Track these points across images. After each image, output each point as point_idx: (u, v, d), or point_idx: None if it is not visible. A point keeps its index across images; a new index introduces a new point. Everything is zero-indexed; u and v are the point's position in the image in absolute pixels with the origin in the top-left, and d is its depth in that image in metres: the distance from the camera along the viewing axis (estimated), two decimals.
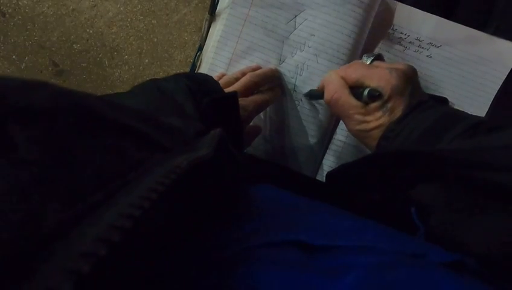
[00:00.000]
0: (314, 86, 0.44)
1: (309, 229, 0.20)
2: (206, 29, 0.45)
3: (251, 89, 0.41)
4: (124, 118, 0.16)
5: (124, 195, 0.12)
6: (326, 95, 0.37)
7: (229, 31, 0.43)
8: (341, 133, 0.45)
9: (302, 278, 0.16)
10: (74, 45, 1.13)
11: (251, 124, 0.45)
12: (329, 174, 0.36)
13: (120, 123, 0.15)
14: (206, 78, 0.38)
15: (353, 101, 0.35)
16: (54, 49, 1.13)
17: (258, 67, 0.44)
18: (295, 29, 0.43)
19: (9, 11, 1.11)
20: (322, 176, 0.45)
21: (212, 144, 0.19)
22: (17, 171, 0.10)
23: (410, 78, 0.35)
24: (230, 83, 0.40)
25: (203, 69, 0.45)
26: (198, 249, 0.18)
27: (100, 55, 1.13)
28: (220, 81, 0.40)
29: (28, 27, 1.12)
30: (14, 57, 1.13)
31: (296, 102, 0.44)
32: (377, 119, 0.34)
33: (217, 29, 0.44)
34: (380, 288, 0.15)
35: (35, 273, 0.09)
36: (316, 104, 0.44)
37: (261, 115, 0.45)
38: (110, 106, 0.16)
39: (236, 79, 0.41)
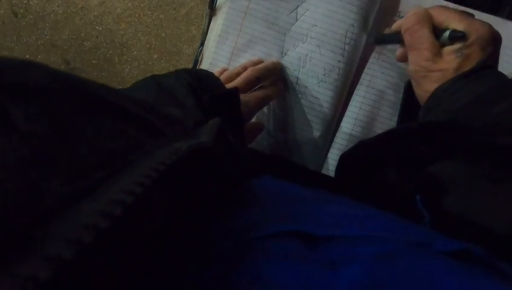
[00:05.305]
0: (317, 78, 0.43)
1: (310, 219, 0.20)
2: (206, 23, 0.45)
3: (253, 84, 0.40)
4: (125, 103, 0.16)
5: (126, 174, 0.12)
6: (407, 23, 0.35)
7: (229, 24, 0.43)
8: (346, 127, 0.44)
9: (303, 270, 0.16)
10: (84, 43, 1.15)
11: (254, 119, 0.44)
12: (344, 156, 0.35)
13: (120, 106, 0.16)
14: (207, 74, 0.37)
15: (431, 37, 0.34)
16: (65, 47, 1.15)
17: (260, 61, 0.43)
18: (297, 20, 0.42)
19: (21, 11, 1.13)
20: (327, 170, 0.45)
21: (212, 133, 0.19)
22: (16, 145, 0.10)
23: (496, 39, 0.33)
24: (231, 78, 0.40)
25: (205, 64, 0.45)
26: (200, 241, 0.18)
27: (110, 52, 1.15)
28: (221, 77, 0.39)
29: (39, 26, 1.13)
30: (27, 56, 1.15)
31: (300, 95, 0.43)
32: (446, 62, 0.33)
33: (217, 24, 0.44)
34: (382, 279, 0.15)
35: (36, 243, 0.09)
36: (320, 97, 0.43)
37: (265, 109, 0.45)
38: (112, 91, 0.16)
39: (238, 74, 0.40)
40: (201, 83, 0.33)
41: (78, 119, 0.13)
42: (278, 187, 0.26)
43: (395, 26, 0.39)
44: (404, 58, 0.38)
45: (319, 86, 0.43)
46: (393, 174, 0.30)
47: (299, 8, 0.42)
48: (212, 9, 0.44)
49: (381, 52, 0.43)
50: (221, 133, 0.21)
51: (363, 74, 0.43)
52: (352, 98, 0.44)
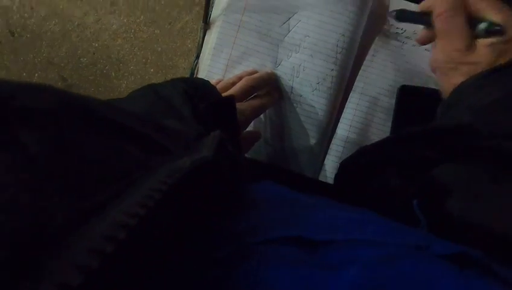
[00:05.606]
0: (311, 87, 0.43)
1: (309, 224, 0.20)
2: (201, 37, 0.46)
3: (248, 92, 0.41)
4: (126, 120, 0.16)
5: (129, 194, 0.12)
6: (440, 7, 0.32)
7: (223, 38, 0.44)
8: (342, 133, 0.45)
9: (303, 274, 0.16)
10: (81, 59, 1.16)
11: (252, 128, 0.45)
12: (344, 163, 0.35)
13: (123, 125, 0.16)
14: (204, 83, 0.38)
15: (466, 27, 0.31)
16: (62, 64, 1.16)
17: (255, 72, 0.44)
18: (289, 31, 0.43)
19: (18, 30, 1.15)
20: (324, 177, 0.45)
21: (212, 146, 0.20)
22: (27, 168, 0.10)
23: None
24: (227, 88, 0.41)
25: (200, 76, 0.46)
26: (199, 247, 0.18)
27: (107, 68, 1.16)
28: (217, 86, 0.40)
29: (37, 44, 1.15)
30: (24, 74, 1.16)
31: (295, 104, 0.44)
32: (479, 55, 0.31)
33: (212, 37, 0.45)
34: (382, 281, 0.15)
35: (45, 269, 0.09)
36: (315, 105, 0.44)
37: (261, 117, 0.45)
38: (113, 109, 0.16)
39: (233, 84, 0.41)
40: (197, 91, 0.34)
41: (86, 140, 0.13)
42: (277, 192, 0.27)
43: (423, 6, 0.35)
44: (426, 41, 0.36)
45: (313, 94, 0.44)
46: (394, 179, 0.31)
47: (291, 20, 0.43)
48: (207, 24, 0.45)
49: (373, 60, 0.44)
50: (222, 145, 0.21)
51: (356, 81, 0.44)
52: (346, 105, 0.44)
